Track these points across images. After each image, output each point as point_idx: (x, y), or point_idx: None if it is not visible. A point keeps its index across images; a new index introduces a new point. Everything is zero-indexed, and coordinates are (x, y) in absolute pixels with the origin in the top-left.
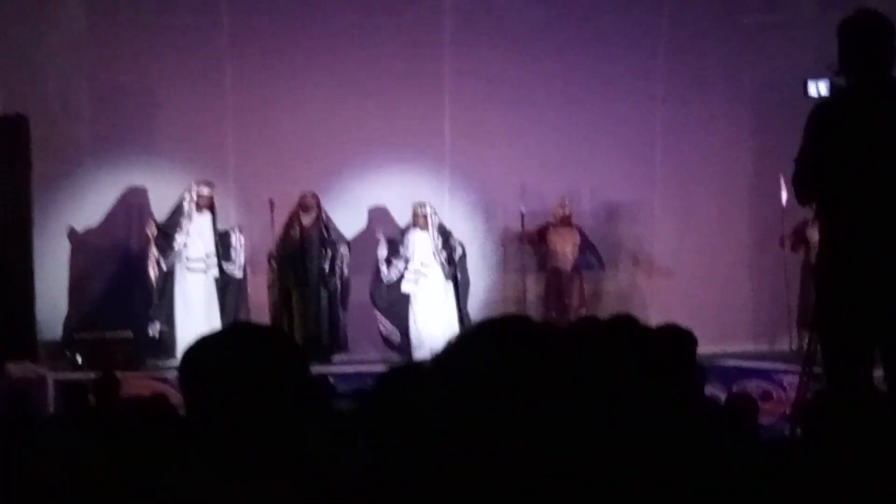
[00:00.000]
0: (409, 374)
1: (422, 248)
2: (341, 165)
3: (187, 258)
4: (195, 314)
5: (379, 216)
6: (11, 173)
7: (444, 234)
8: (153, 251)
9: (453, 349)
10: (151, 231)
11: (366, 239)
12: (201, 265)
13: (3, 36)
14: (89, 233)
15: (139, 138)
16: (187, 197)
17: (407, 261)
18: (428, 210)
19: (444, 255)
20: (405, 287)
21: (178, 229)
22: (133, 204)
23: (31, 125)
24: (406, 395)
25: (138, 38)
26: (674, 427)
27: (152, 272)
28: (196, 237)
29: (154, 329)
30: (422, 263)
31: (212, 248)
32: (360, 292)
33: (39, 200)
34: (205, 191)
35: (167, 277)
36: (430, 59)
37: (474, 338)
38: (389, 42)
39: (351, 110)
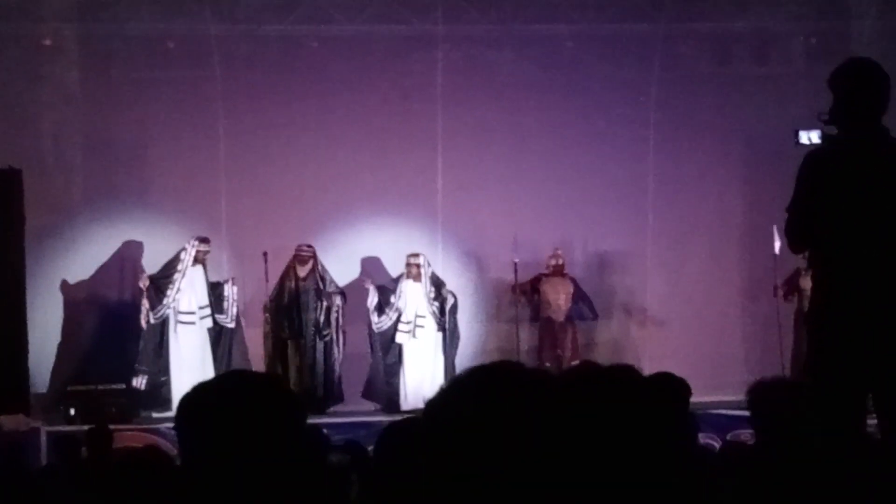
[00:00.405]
0: (403, 430)
1: (415, 299)
2: (334, 217)
3: (179, 312)
4: (190, 365)
5: (371, 267)
6: (4, 226)
7: (437, 284)
8: (144, 304)
9: (444, 396)
10: (143, 283)
11: (359, 290)
12: (193, 318)
13: None
14: (82, 285)
15: (132, 191)
16: (185, 253)
17: (399, 311)
18: (421, 260)
19: (436, 305)
20: (399, 338)
21: (170, 283)
22: (126, 257)
23: (25, 178)
24: (399, 449)
25: (131, 92)
26: (669, 475)
27: (143, 324)
28: (188, 290)
29: (139, 381)
30: (416, 315)
31: (204, 300)
32: (355, 343)
33: (32, 253)
34: (204, 247)
35: (158, 330)
36: (422, 112)
37: (465, 384)
38: (382, 95)
39: (344, 162)
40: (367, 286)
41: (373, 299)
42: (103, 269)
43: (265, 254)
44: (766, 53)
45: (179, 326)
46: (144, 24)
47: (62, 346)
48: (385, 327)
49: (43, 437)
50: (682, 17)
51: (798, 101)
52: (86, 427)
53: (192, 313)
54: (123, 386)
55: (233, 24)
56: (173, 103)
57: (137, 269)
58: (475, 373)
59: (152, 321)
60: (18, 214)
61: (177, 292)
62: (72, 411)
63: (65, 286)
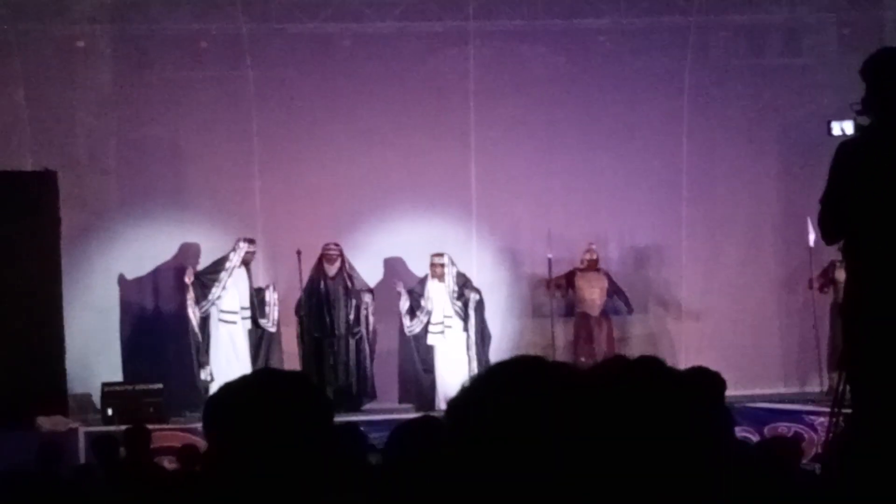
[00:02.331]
0: (423, 427)
1: (441, 299)
2: (368, 215)
3: (221, 310)
4: (228, 364)
5: (400, 267)
6: (41, 227)
7: (461, 283)
8: (190, 297)
9: (466, 394)
10: (188, 278)
11: (390, 289)
12: (235, 317)
13: (33, 93)
14: (118, 285)
15: (166, 191)
16: (234, 253)
17: (429, 313)
18: (445, 260)
19: (458, 305)
20: (431, 340)
21: (217, 281)
22: (164, 256)
23: (60, 179)
24: (423, 447)
25: (164, 93)
26: (701, 468)
27: (193, 319)
28: (233, 290)
29: (207, 373)
30: (444, 315)
31: (247, 302)
32: (386, 340)
33: (68, 253)
34: (252, 248)
35: (203, 325)
36: (455, 108)
37: (485, 381)
38: (414, 91)
39: (377, 160)
40: (398, 290)
41: (404, 304)
42: (140, 268)
43: (299, 252)
44: (799, 44)
45: (221, 325)
46: (177, 24)
47: (99, 347)
48: (416, 330)
49: (81, 438)
50: (714, 9)
51: (831, 92)
52: (123, 427)
53: (235, 313)
54: (161, 385)
55: (265, 23)
56: (206, 103)
57: (185, 265)
58: (495, 370)
59: (197, 315)
60: (54, 216)
61: (222, 289)
62: (109, 411)
63: (102, 285)
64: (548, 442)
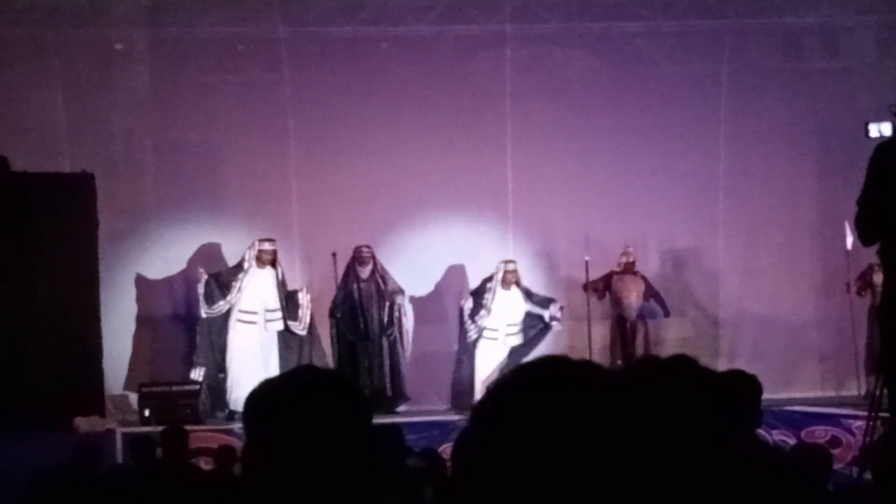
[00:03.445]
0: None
1: (507, 308)
2: (404, 217)
3: (240, 310)
4: (250, 365)
5: (448, 267)
6: (78, 229)
7: (539, 300)
8: (200, 296)
9: (489, 398)
10: (198, 277)
11: (427, 290)
12: (255, 318)
13: (71, 95)
14: (155, 286)
15: (203, 194)
16: (248, 252)
17: (486, 318)
18: (517, 266)
19: (533, 311)
20: (483, 345)
21: (234, 280)
22: (199, 258)
23: (97, 181)
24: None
25: (201, 96)
26: (729, 471)
27: (202, 315)
28: (253, 290)
29: (197, 373)
30: (508, 324)
31: (273, 303)
32: (423, 342)
33: (105, 255)
34: (266, 246)
35: (217, 324)
36: (491, 111)
37: (510, 384)
38: (451, 94)
39: (413, 163)
40: (462, 302)
41: (468, 307)
42: (176, 270)
43: (334, 254)
44: (836, 47)
45: (238, 325)
46: (213, 27)
47: (136, 348)
48: (474, 337)
49: (118, 438)
50: (751, 12)
51: (869, 94)
52: (160, 428)
53: (255, 313)
54: (197, 387)
55: (301, 26)
56: (243, 106)
57: (193, 265)
58: (519, 371)
59: (204, 315)
60: (92, 218)
61: (238, 291)
62: (146, 412)
63: (139, 287)
64: (573, 442)
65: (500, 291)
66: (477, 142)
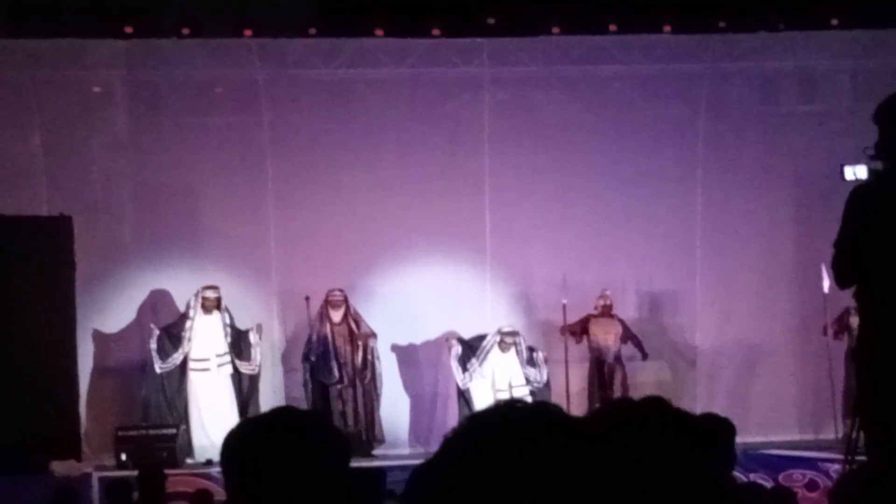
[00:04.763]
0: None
1: (506, 367)
2: (383, 260)
3: (192, 359)
4: (210, 411)
5: (426, 310)
6: (56, 272)
7: (534, 360)
8: (152, 354)
9: (447, 445)
10: (149, 332)
11: (405, 334)
12: (208, 364)
13: (49, 138)
14: (133, 330)
15: (182, 236)
16: (193, 300)
17: (485, 376)
18: (519, 339)
19: (531, 372)
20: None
21: (183, 331)
22: (179, 301)
23: (75, 224)
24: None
25: (179, 138)
26: None
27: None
28: (203, 337)
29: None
30: (512, 385)
31: (222, 348)
32: (401, 385)
33: (83, 298)
34: (209, 294)
35: (166, 379)
36: (469, 154)
37: (465, 432)
38: (429, 137)
39: (392, 205)
40: (450, 342)
41: (457, 352)
42: (149, 313)
43: (307, 298)
44: (813, 91)
45: (193, 374)
46: (192, 69)
47: (113, 391)
48: (469, 384)
49: (95, 482)
50: (728, 56)
51: (845, 139)
52: (136, 472)
53: (207, 360)
54: (174, 430)
55: (280, 69)
56: (222, 148)
57: (147, 325)
58: (471, 422)
59: (158, 370)
60: (69, 261)
61: (188, 340)
62: (123, 455)
63: (115, 330)
64: (529, 488)
65: (495, 353)
66: (455, 184)
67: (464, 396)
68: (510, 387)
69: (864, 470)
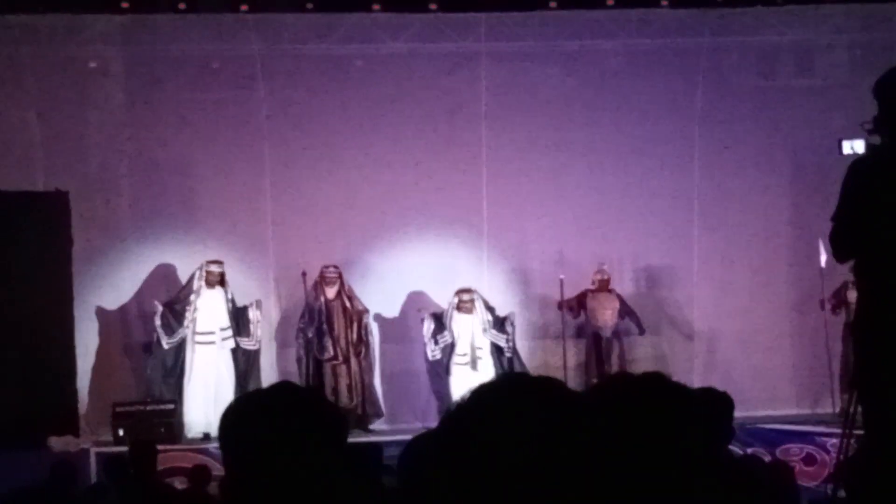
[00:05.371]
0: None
1: (468, 332)
2: (380, 235)
3: (197, 332)
4: (206, 387)
5: (423, 285)
6: (53, 248)
7: (497, 318)
8: (157, 330)
9: (450, 421)
10: (152, 308)
11: (404, 309)
12: (212, 337)
13: (45, 114)
14: (130, 305)
15: (179, 212)
16: (197, 274)
17: (452, 345)
18: (475, 296)
19: (496, 335)
20: (456, 371)
21: (186, 306)
22: (163, 278)
23: (72, 200)
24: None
25: (175, 113)
26: (695, 486)
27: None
28: (206, 312)
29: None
30: (473, 346)
31: (225, 322)
32: (398, 361)
33: (80, 275)
34: (213, 268)
35: (173, 353)
36: (466, 129)
37: (470, 406)
38: (426, 112)
39: (389, 181)
40: (421, 315)
41: (428, 328)
42: (146, 289)
43: (304, 273)
44: (810, 65)
45: (197, 346)
46: (189, 45)
47: (111, 367)
48: (438, 356)
49: (92, 458)
50: (726, 30)
51: (842, 113)
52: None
53: (212, 333)
54: (172, 406)
55: (277, 44)
56: (218, 123)
57: (150, 299)
58: (478, 392)
59: (166, 346)
60: (66, 236)
61: (194, 312)
62: (120, 431)
63: (113, 305)
64: (532, 459)
65: (458, 317)
66: (452, 160)
67: (435, 369)
68: (473, 349)
69: (868, 445)
